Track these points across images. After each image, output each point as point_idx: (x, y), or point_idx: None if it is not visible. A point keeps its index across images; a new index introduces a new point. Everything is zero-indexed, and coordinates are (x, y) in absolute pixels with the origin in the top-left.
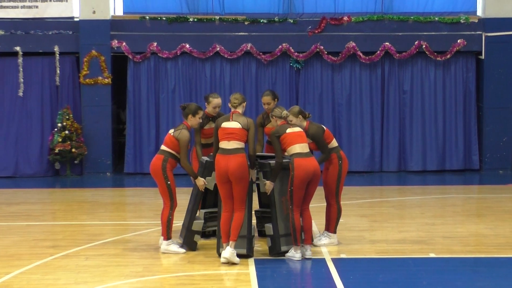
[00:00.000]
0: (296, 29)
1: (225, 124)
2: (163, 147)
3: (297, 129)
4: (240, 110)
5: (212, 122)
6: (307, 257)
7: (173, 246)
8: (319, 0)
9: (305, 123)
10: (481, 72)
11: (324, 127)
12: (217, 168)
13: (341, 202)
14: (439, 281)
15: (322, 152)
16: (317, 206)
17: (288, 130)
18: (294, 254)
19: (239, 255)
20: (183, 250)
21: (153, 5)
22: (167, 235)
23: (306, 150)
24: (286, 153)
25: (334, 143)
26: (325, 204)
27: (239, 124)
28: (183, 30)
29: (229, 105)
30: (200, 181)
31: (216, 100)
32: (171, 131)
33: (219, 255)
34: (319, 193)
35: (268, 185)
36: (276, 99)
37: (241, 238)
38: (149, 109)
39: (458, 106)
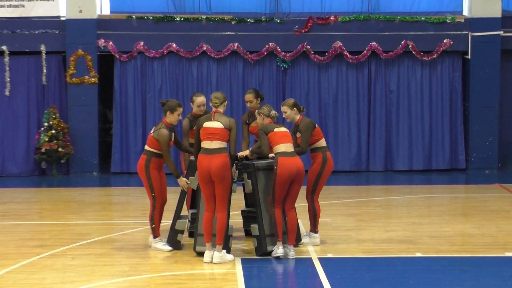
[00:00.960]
0: (283, 29)
1: (207, 124)
2: (146, 146)
3: (283, 129)
4: (221, 109)
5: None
6: (290, 257)
7: (159, 244)
8: None
9: (298, 117)
10: (467, 72)
11: (316, 125)
12: (199, 168)
13: (327, 202)
14: (426, 280)
15: (301, 145)
16: (304, 206)
17: (275, 130)
18: (276, 250)
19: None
20: (169, 248)
21: (140, 4)
22: (154, 233)
23: (291, 150)
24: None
25: (322, 142)
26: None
27: (221, 124)
28: (169, 30)
29: (210, 104)
30: (182, 181)
31: (199, 99)
32: (152, 130)
33: (197, 253)
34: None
35: (249, 153)
36: (259, 98)
37: (216, 236)
38: (135, 108)
39: (445, 106)
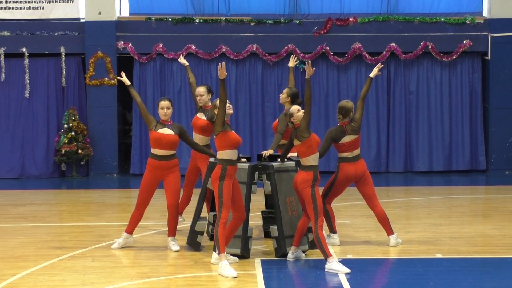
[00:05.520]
0: (302, 30)
1: None
2: (169, 150)
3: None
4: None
5: (202, 113)
6: (289, 259)
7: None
8: (325, 1)
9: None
10: (487, 73)
11: (330, 134)
12: None
13: (347, 203)
14: (446, 281)
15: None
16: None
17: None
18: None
19: (233, 255)
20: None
21: (159, 6)
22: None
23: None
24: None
25: (341, 154)
26: (339, 205)
27: None
28: (188, 31)
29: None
30: None
31: (196, 89)
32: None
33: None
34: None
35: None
36: (210, 93)
37: (236, 238)
38: (154, 110)
39: (464, 107)
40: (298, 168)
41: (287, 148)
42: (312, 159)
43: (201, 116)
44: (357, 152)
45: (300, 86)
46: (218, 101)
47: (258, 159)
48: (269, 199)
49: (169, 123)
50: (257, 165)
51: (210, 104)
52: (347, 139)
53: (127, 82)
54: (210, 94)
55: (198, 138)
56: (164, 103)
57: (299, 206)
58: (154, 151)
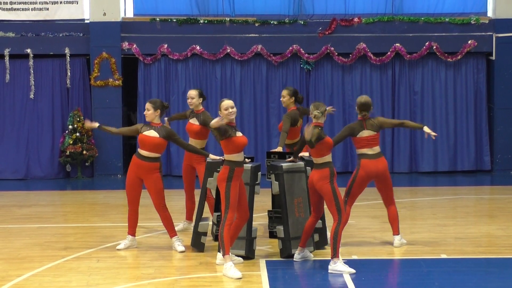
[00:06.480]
0: (306, 31)
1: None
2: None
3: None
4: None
5: (195, 118)
6: (296, 260)
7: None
8: (329, 1)
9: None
10: (492, 73)
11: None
12: None
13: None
14: (451, 282)
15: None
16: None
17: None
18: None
19: (237, 256)
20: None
21: (163, 7)
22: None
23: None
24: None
25: (361, 150)
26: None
27: None
28: (193, 32)
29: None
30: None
31: (188, 92)
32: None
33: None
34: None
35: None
36: (201, 98)
37: (240, 239)
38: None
39: (469, 107)
40: (308, 167)
41: (300, 146)
42: (325, 157)
43: (194, 121)
44: (377, 149)
45: (304, 87)
46: (224, 103)
47: (267, 157)
48: (277, 200)
49: (157, 125)
50: (266, 163)
51: (201, 108)
52: (365, 133)
53: (95, 125)
54: (201, 99)
55: (194, 143)
56: (146, 105)
57: (307, 207)
58: (139, 150)
